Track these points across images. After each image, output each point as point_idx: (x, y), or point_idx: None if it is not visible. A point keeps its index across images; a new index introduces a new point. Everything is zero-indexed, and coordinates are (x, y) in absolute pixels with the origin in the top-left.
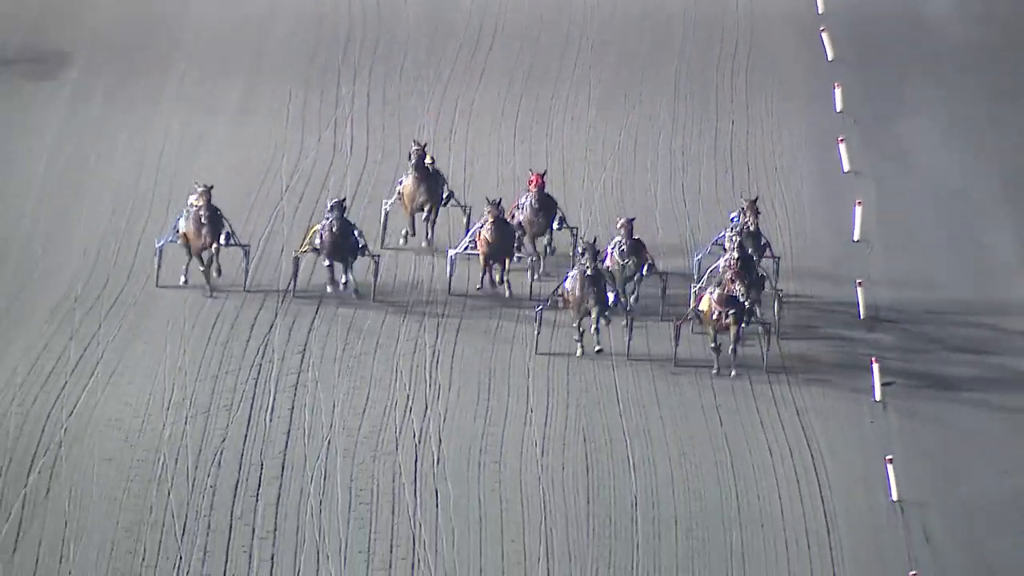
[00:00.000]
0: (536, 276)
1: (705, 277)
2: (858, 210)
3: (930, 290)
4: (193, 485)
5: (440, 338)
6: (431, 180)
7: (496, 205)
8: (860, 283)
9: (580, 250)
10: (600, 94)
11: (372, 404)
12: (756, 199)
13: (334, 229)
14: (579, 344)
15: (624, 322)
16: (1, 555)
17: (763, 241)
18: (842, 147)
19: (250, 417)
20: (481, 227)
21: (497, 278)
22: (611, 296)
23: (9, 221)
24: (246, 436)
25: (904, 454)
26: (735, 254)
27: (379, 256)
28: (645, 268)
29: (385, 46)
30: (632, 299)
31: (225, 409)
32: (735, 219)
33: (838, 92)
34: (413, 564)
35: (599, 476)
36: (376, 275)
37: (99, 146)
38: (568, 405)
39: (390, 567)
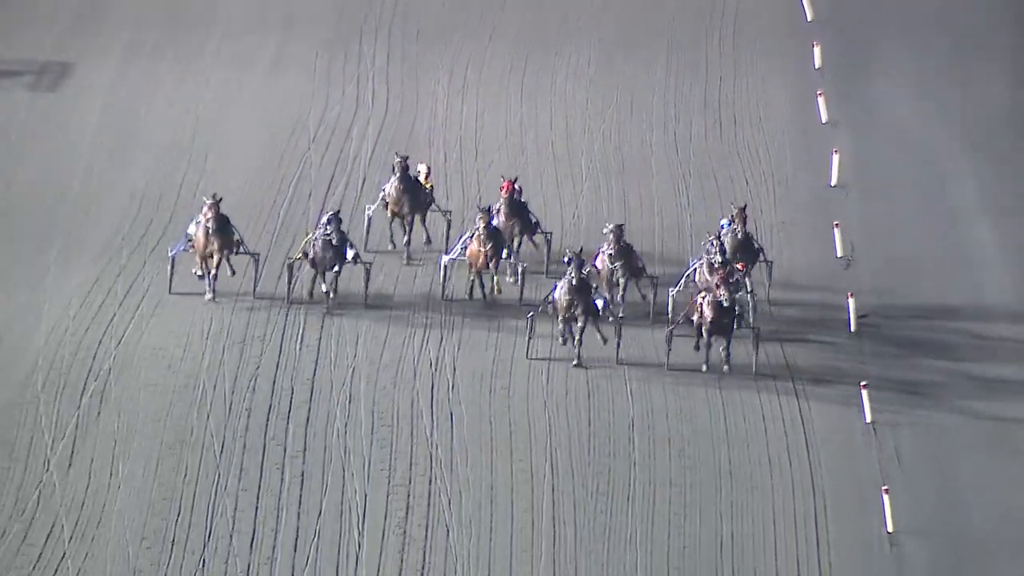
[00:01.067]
0: (515, 279)
1: (682, 281)
2: (835, 158)
3: (899, 233)
4: (230, 408)
5: (453, 286)
6: (414, 190)
7: (487, 212)
8: (837, 225)
9: (567, 260)
10: (599, 53)
11: (392, 336)
12: (745, 207)
13: (331, 241)
14: (577, 350)
15: (613, 329)
16: (57, 471)
17: (755, 246)
18: (820, 100)
19: (281, 347)
20: (472, 234)
21: (487, 284)
22: (600, 303)
23: (65, 167)
24: (278, 364)
25: (878, 380)
26: (717, 258)
27: (370, 264)
28: (638, 269)
29: (403, 8)
30: (620, 309)
31: (259, 339)
32: (725, 226)
33: (817, 50)
34: (430, 480)
35: (599, 401)
36: (367, 282)
37: (146, 97)
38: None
39: (409, 482)
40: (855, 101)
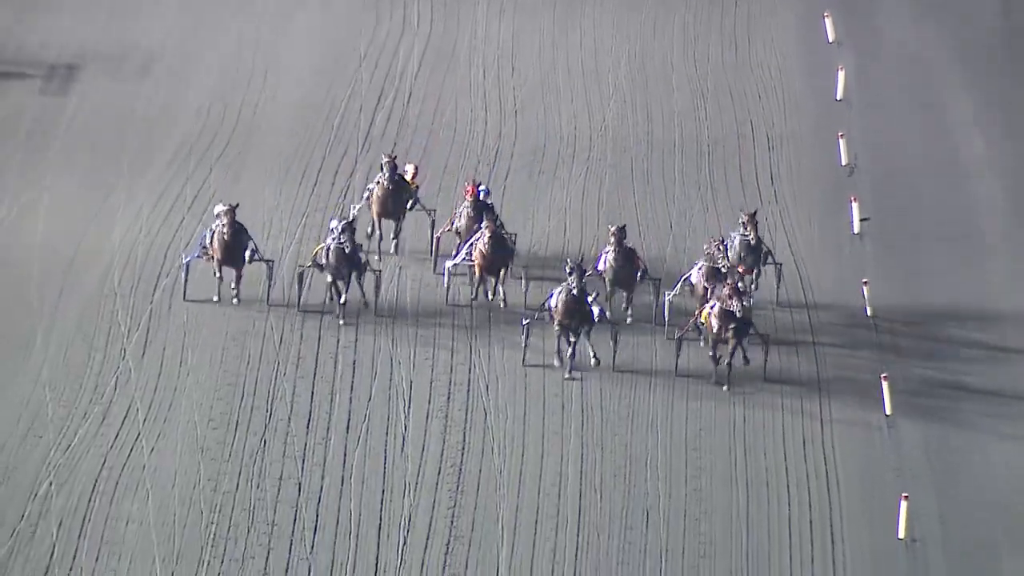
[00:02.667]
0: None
1: (678, 285)
2: (840, 74)
3: (899, 144)
4: (288, 302)
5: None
6: (400, 190)
7: (495, 220)
8: (842, 135)
9: (568, 269)
10: None
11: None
12: (755, 212)
13: (344, 249)
14: (569, 362)
15: (610, 335)
16: (133, 359)
17: (764, 250)
18: (827, 21)
19: (383, 153)
20: (478, 240)
21: (491, 291)
22: (596, 311)
23: (136, 84)
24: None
25: (876, 275)
26: (723, 263)
27: (380, 272)
28: (639, 274)
29: None
30: (625, 310)
31: (314, 240)
32: (736, 237)
33: None
34: (469, 368)
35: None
36: (378, 289)
37: (207, 23)
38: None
39: (451, 371)
40: (859, 22)
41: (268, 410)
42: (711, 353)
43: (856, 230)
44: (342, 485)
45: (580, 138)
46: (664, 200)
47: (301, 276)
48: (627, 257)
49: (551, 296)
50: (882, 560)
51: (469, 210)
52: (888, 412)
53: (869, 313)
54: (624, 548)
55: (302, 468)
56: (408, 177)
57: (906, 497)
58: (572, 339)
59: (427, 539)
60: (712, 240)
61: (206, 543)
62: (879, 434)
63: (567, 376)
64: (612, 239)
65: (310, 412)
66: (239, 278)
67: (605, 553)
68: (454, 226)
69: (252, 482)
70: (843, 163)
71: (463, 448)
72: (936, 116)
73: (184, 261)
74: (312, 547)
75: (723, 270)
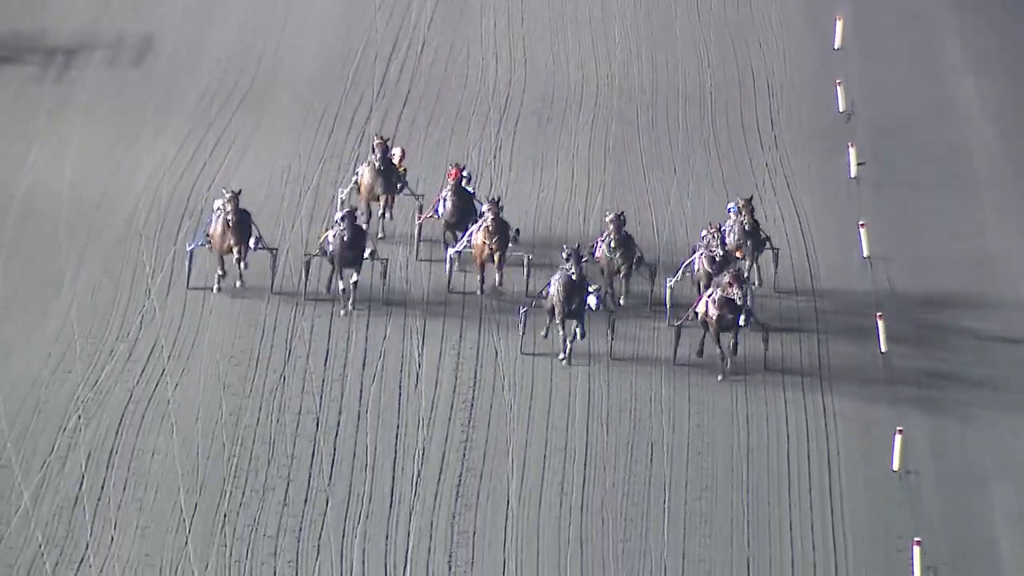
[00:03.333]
0: (457, 267)
1: (679, 271)
2: (838, 24)
3: (895, 89)
4: (305, 245)
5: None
6: (388, 173)
7: (495, 203)
8: (839, 83)
9: (565, 255)
10: None
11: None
12: (751, 198)
13: (345, 237)
14: (568, 348)
15: (607, 323)
16: (157, 298)
17: (762, 236)
18: None
19: (373, 135)
20: (480, 226)
21: (492, 277)
22: (594, 300)
23: (160, 34)
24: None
25: (874, 218)
26: (718, 251)
27: (387, 260)
28: (635, 260)
29: None
30: (621, 297)
31: (330, 184)
32: (732, 209)
33: None
34: (480, 315)
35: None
36: (385, 277)
37: None
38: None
39: (462, 310)
40: None
41: (287, 348)
42: (710, 340)
43: (853, 174)
44: (358, 420)
45: (587, 86)
46: (668, 146)
47: (307, 264)
48: (624, 244)
49: (549, 284)
50: (876, 489)
51: (452, 195)
52: (884, 349)
53: (865, 254)
54: (629, 480)
55: (320, 403)
56: (395, 161)
57: (900, 431)
58: (572, 325)
59: (440, 472)
60: (711, 227)
61: (228, 475)
62: (875, 369)
63: (563, 363)
64: (610, 226)
65: (327, 350)
66: (242, 264)
67: (611, 485)
68: (437, 213)
69: (272, 416)
70: (840, 110)
71: (474, 385)
72: (930, 63)
73: (187, 249)
74: (330, 479)
75: (717, 258)
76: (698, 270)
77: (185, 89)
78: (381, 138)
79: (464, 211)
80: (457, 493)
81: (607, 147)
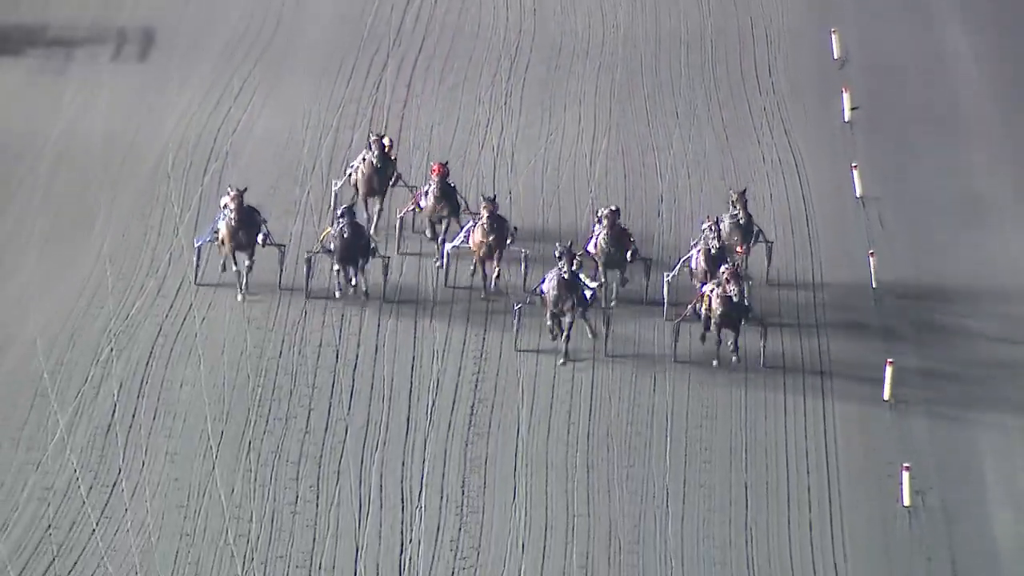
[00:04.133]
0: (438, 263)
1: (678, 267)
2: None
3: (887, 38)
4: (325, 186)
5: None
6: (384, 169)
7: (491, 201)
8: (834, 31)
9: (557, 254)
10: None
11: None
12: (744, 191)
13: (346, 234)
14: (564, 347)
15: (602, 318)
16: (185, 237)
17: (755, 229)
18: None
19: (369, 134)
20: (477, 223)
21: (490, 280)
22: (588, 294)
23: None
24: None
25: (866, 159)
26: (715, 244)
27: (390, 257)
28: (630, 255)
29: None
30: (616, 288)
31: (348, 128)
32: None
33: None
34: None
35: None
36: (387, 275)
37: None
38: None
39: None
40: None
41: (308, 285)
42: (710, 336)
43: (847, 118)
44: (376, 352)
45: (594, 35)
46: (671, 92)
47: (309, 261)
48: (618, 238)
49: (543, 280)
50: (868, 418)
51: (435, 191)
52: (875, 286)
53: (858, 194)
54: (633, 410)
55: (340, 337)
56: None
57: (891, 362)
58: (567, 323)
59: (453, 402)
60: (709, 221)
61: (252, 404)
62: (867, 304)
63: (561, 362)
64: (604, 221)
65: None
66: (250, 267)
67: (616, 414)
68: (420, 207)
69: (294, 349)
70: (835, 57)
71: (486, 321)
72: (922, 12)
73: (195, 245)
74: (349, 408)
75: (714, 251)
76: (696, 266)
77: (211, 39)
78: (378, 135)
79: (448, 207)
80: (470, 422)
81: (612, 92)
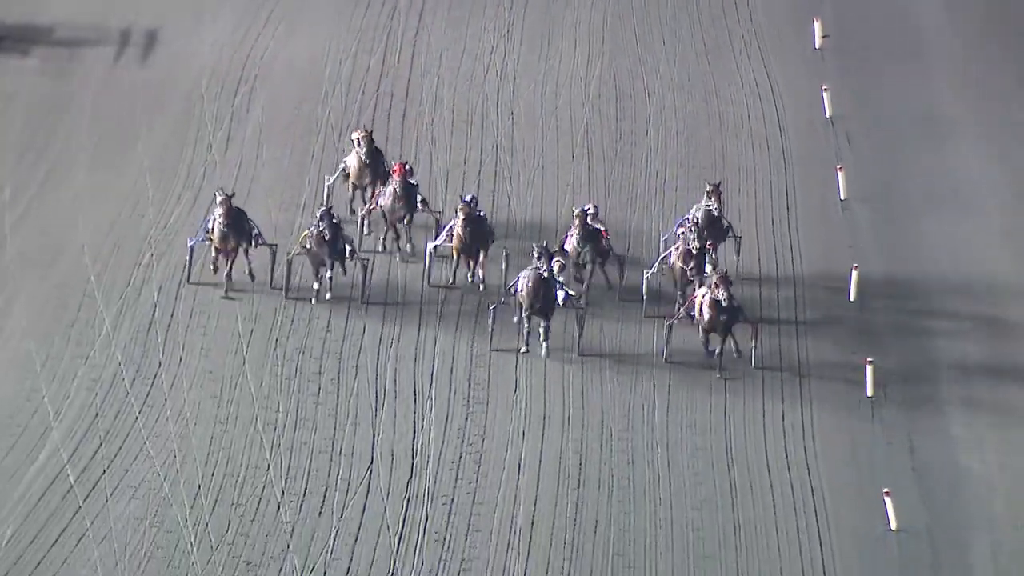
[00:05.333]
0: (405, 260)
1: (656, 264)
2: None
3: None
4: (345, 107)
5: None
6: (375, 162)
7: (469, 203)
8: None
9: (536, 254)
10: None
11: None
12: (719, 184)
13: (325, 236)
14: (543, 344)
15: (575, 316)
16: (217, 153)
17: (725, 224)
18: None
19: (384, 59)
20: (456, 223)
21: (471, 272)
22: (562, 295)
23: None
24: (381, 72)
25: (836, 82)
26: (695, 244)
27: (368, 259)
28: (604, 251)
29: None
30: (583, 298)
31: (366, 54)
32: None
33: None
34: (497, 160)
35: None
36: (365, 277)
37: None
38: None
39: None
40: None
41: (288, 285)
42: (703, 341)
43: (818, 45)
44: (390, 262)
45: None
46: (658, 20)
47: (290, 263)
48: (592, 237)
49: (517, 280)
50: (836, 320)
51: (397, 190)
52: (843, 196)
53: (828, 114)
54: (619, 340)
55: (359, 245)
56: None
57: (855, 267)
58: (541, 323)
59: (460, 305)
60: (687, 221)
61: (279, 305)
62: (836, 215)
63: (532, 354)
64: (577, 220)
65: (365, 200)
66: (232, 261)
67: (601, 330)
68: (379, 205)
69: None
70: (816, 48)
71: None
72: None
73: (188, 245)
74: (366, 309)
75: (694, 251)
76: (673, 264)
77: None
78: (366, 130)
79: (406, 206)
80: (475, 322)
81: (605, 22)
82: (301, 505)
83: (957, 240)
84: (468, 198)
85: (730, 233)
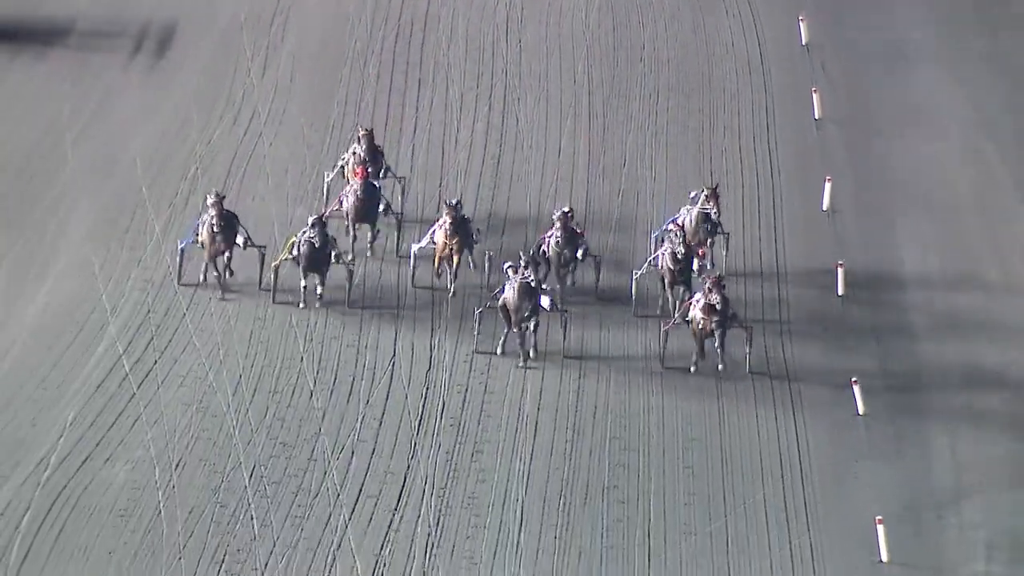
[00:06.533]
0: (474, 266)
1: (644, 267)
2: None
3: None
4: (370, 35)
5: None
6: (374, 159)
7: (453, 207)
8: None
9: (523, 263)
10: None
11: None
12: (716, 186)
13: (315, 244)
14: (533, 348)
15: (560, 322)
16: (255, 77)
17: (716, 222)
18: None
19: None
20: (439, 226)
21: (452, 275)
22: (547, 301)
23: None
24: (402, 5)
25: (810, 13)
26: (680, 249)
27: (354, 265)
28: (580, 252)
29: None
30: (569, 283)
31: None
32: (695, 197)
33: None
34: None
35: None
36: (350, 282)
37: None
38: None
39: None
40: None
41: (356, 115)
42: (698, 346)
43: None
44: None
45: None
46: None
47: (276, 270)
48: (570, 239)
49: (503, 288)
50: (811, 227)
51: (358, 192)
52: (817, 116)
53: (804, 42)
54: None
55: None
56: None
57: (829, 179)
58: (525, 329)
59: (477, 192)
60: (675, 224)
61: (310, 209)
62: (811, 138)
63: (521, 364)
64: (557, 223)
65: (387, 117)
66: (227, 267)
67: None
68: (342, 207)
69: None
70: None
71: (501, 145)
72: None
73: (179, 247)
74: (402, 212)
75: (680, 256)
76: (661, 265)
77: None
78: (366, 129)
79: (367, 207)
80: (492, 194)
81: None
82: (331, 393)
83: (920, 159)
84: (453, 201)
85: (720, 229)
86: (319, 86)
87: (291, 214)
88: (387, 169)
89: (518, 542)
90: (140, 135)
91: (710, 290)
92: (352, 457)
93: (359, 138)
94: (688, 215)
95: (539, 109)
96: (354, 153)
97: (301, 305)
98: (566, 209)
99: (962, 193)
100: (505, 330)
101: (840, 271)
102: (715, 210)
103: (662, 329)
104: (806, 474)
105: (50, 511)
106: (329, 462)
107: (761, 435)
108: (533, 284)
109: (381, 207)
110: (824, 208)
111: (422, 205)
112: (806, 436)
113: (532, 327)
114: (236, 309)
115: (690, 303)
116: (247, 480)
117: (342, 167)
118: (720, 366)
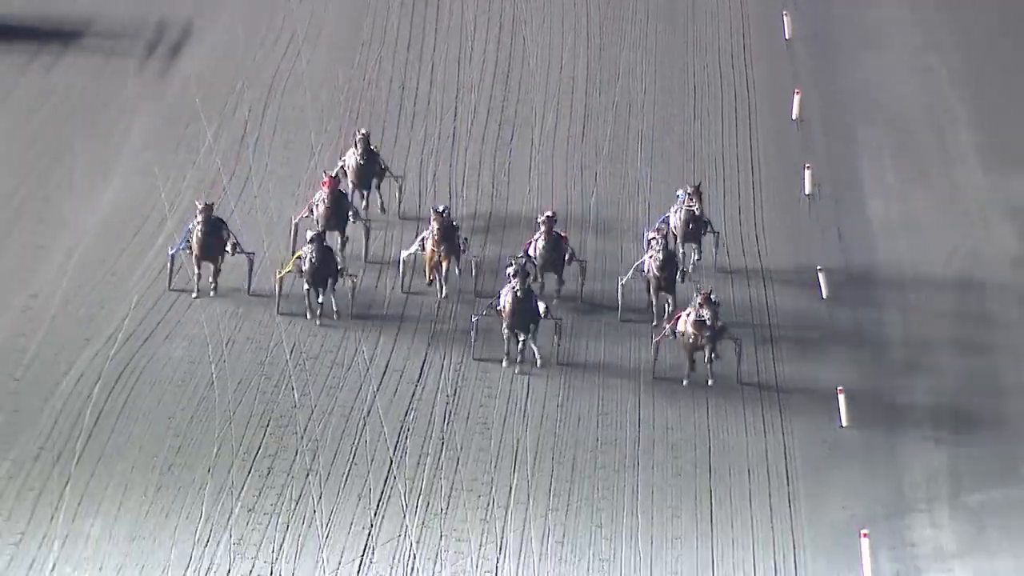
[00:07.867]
0: (459, 271)
1: (630, 272)
2: None
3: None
4: (388, 7)
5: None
6: (372, 161)
7: (441, 213)
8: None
9: (512, 271)
10: None
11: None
12: (699, 184)
13: (316, 259)
14: (518, 357)
15: (553, 329)
16: (287, 18)
17: (704, 219)
18: None
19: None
20: (429, 233)
21: (442, 279)
22: (542, 306)
23: None
24: None
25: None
26: (660, 255)
27: (357, 277)
28: (567, 256)
29: None
30: (558, 292)
31: None
32: (681, 196)
33: None
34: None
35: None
36: (354, 294)
37: None
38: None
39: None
40: None
41: (383, 35)
42: (688, 359)
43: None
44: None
45: None
46: None
47: (281, 282)
48: (555, 243)
49: (499, 297)
50: (783, 140)
51: (326, 200)
52: (808, 190)
53: (787, 33)
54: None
55: (406, 121)
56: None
57: (798, 91)
58: (521, 338)
59: (485, 126)
60: (659, 229)
61: (345, 129)
62: (787, 105)
63: (517, 372)
64: (542, 227)
65: (404, 74)
66: (217, 272)
67: (602, 135)
68: (312, 215)
69: (374, 87)
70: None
71: (507, 83)
72: None
73: (169, 253)
74: (411, 126)
75: (661, 263)
76: (647, 271)
77: None
78: (363, 133)
79: (337, 216)
80: (497, 134)
81: None
82: (361, 279)
83: (880, 74)
84: (441, 208)
85: (709, 228)
86: (349, 12)
87: (328, 123)
88: (385, 169)
89: (525, 409)
90: (193, 55)
91: (701, 305)
92: (380, 336)
93: (356, 142)
94: (676, 216)
95: (539, 72)
96: (353, 155)
97: (317, 322)
98: (550, 213)
99: (912, 105)
100: (506, 336)
101: (822, 275)
102: (698, 207)
103: (653, 341)
104: (792, 482)
105: (118, 381)
106: (359, 340)
107: (749, 443)
108: (522, 293)
109: (350, 214)
110: (793, 117)
111: (441, 117)
112: (793, 444)
113: (529, 336)
114: (278, 205)
115: (679, 316)
116: (288, 355)
117: (341, 168)
118: (710, 381)
